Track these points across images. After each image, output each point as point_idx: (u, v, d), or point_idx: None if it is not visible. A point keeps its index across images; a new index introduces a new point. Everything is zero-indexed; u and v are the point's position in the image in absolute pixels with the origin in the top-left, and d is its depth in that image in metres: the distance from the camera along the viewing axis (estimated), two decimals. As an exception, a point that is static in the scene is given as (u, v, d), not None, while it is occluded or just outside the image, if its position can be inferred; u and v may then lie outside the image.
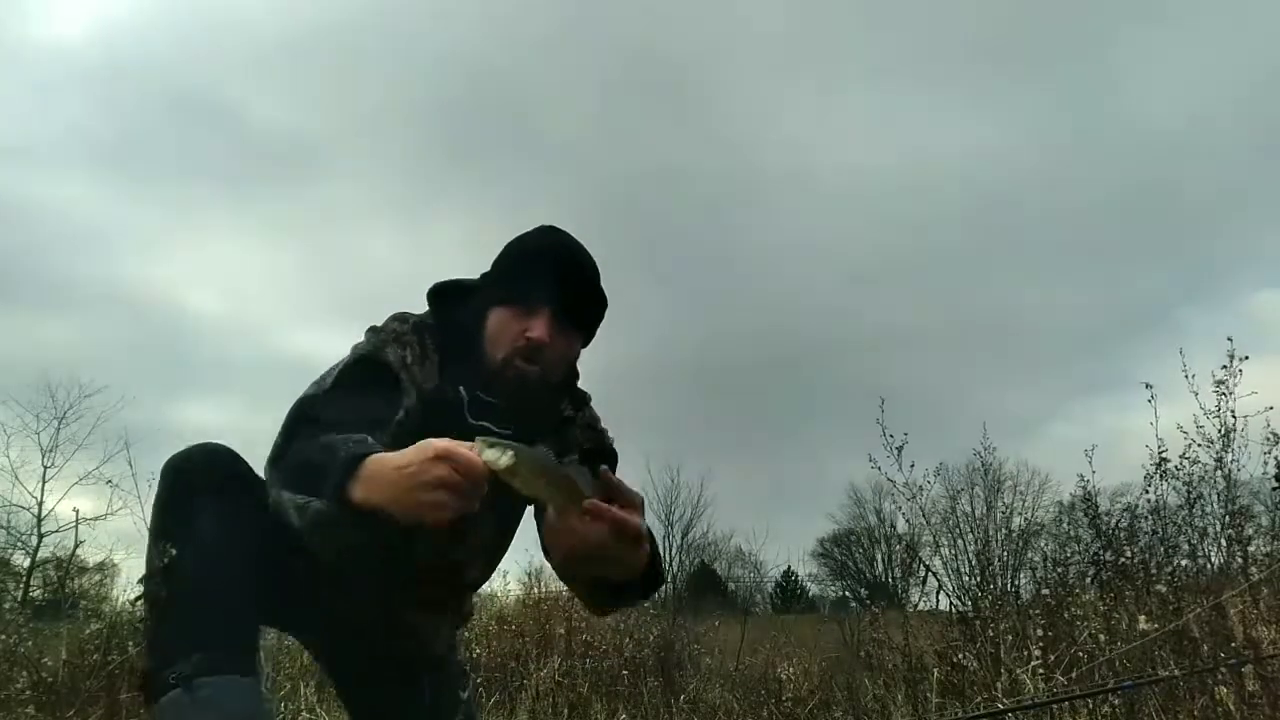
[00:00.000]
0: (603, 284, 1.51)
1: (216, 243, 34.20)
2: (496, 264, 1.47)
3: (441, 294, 1.49)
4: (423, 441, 1.03)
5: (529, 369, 1.36)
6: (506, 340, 1.37)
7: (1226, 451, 2.82)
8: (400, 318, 1.43)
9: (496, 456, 1.00)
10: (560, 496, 1.07)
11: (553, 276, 1.40)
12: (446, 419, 1.29)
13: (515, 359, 1.37)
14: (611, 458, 1.53)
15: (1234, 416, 2.79)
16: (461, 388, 1.36)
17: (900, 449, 3.19)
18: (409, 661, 1.52)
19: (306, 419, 1.22)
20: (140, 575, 1.23)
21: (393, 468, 1.03)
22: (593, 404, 1.57)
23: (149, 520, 1.23)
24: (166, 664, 1.08)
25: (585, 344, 1.51)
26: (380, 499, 1.03)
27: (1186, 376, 2.88)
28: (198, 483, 1.20)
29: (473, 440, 1.06)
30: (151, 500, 1.24)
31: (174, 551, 1.16)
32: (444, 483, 1.00)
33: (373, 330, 1.40)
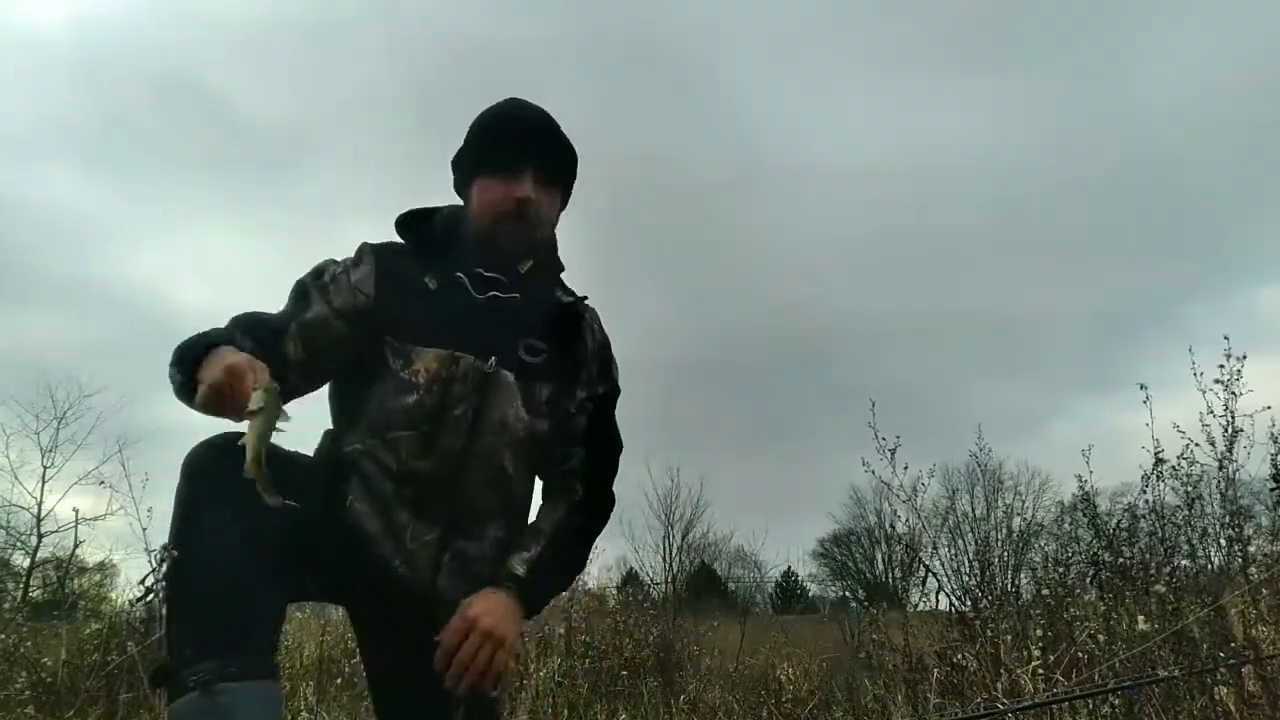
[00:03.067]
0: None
1: (205, 235, 34.07)
2: (468, 139, 1.53)
3: (409, 218, 1.55)
4: (232, 357, 1.16)
5: (521, 227, 1.45)
6: (494, 206, 1.46)
7: (1229, 452, 2.81)
8: (360, 249, 1.50)
9: (256, 400, 1.14)
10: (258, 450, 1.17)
11: (529, 138, 1.48)
12: (457, 305, 1.42)
13: (506, 221, 1.45)
14: (615, 394, 1.60)
15: (1232, 416, 2.78)
16: (459, 274, 1.43)
17: (894, 451, 3.17)
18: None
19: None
20: (146, 573, 1.26)
21: (214, 359, 1.17)
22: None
23: (171, 515, 1.22)
24: (186, 664, 1.08)
25: (563, 204, 1.59)
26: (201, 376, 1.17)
27: (1195, 374, 2.87)
28: (215, 480, 1.19)
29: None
30: (172, 497, 1.24)
31: (189, 550, 1.16)
32: (215, 386, 1.14)
33: (325, 261, 1.49)
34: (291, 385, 1.33)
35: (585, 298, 1.59)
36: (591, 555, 1.65)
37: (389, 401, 1.39)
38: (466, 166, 1.53)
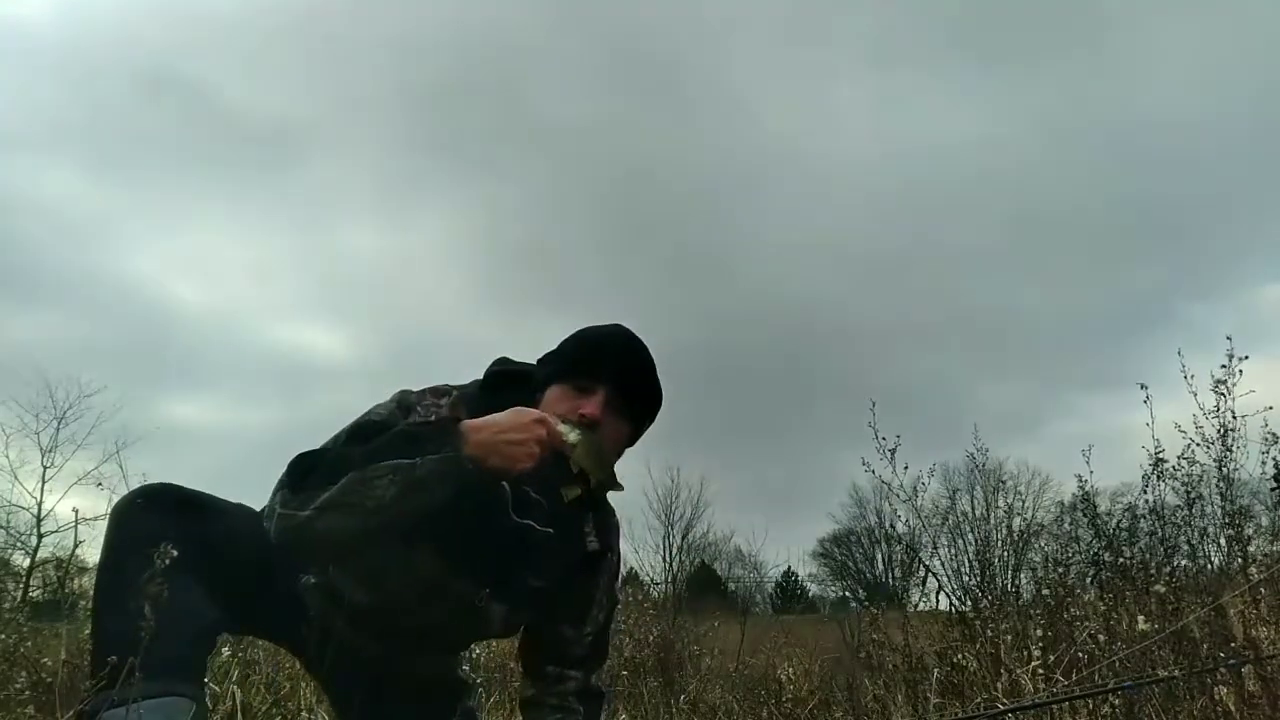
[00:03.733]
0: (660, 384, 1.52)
1: (204, 233, 33.93)
2: (560, 346, 1.49)
3: (499, 374, 1.50)
4: (518, 408, 1.28)
5: None
6: (557, 418, 1.36)
7: (1227, 452, 2.81)
8: (439, 390, 1.43)
9: (568, 431, 1.30)
10: (599, 473, 1.36)
11: (612, 361, 1.44)
12: (488, 508, 1.35)
13: None
14: (615, 607, 1.65)
15: (1234, 416, 2.78)
16: (505, 483, 1.36)
17: (893, 451, 3.16)
18: (404, 681, 1.51)
19: (311, 464, 1.27)
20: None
21: (489, 425, 1.25)
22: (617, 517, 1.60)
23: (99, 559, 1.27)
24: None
25: (631, 442, 1.52)
26: (480, 451, 1.22)
27: (1186, 377, 2.87)
28: (138, 525, 1.23)
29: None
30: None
31: (99, 595, 1.23)
32: (539, 440, 1.25)
33: (404, 393, 1.42)
34: None
35: (614, 514, 1.58)
36: None
37: (368, 568, 1.37)
38: (547, 370, 1.47)
